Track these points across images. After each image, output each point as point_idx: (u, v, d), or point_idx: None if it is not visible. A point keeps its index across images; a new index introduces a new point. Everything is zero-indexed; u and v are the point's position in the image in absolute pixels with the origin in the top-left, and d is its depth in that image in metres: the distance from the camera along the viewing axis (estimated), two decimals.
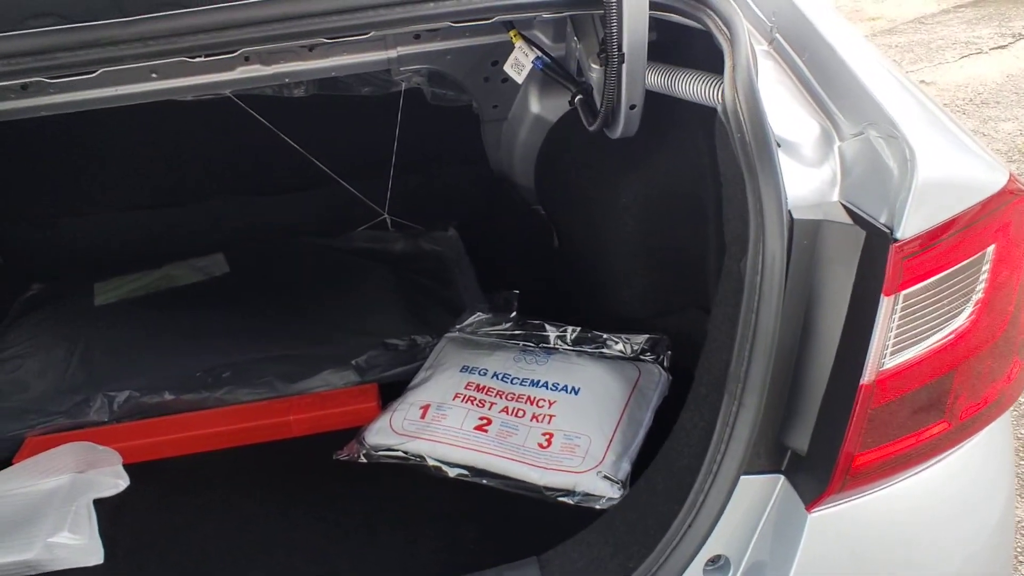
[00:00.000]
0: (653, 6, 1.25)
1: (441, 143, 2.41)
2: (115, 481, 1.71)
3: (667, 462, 1.19)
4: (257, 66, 1.98)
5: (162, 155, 2.34)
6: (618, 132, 1.47)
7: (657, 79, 1.39)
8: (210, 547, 1.56)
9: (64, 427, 1.83)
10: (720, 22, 1.19)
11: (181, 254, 2.41)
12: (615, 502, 1.54)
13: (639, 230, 1.93)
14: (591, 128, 1.51)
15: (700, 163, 1.83)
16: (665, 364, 1.85)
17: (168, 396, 1.87)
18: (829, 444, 1.03)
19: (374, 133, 2.38)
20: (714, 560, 1.13)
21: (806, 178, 1.04)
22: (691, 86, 1.29)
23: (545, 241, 2.40)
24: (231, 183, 2.44)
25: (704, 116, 1.75)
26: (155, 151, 2.34)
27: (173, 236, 2.45)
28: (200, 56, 1.15)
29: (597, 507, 1.55)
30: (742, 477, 1.05)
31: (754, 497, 1.10)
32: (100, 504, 1.65)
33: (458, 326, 2.01)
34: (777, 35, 1.21)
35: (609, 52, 1.30)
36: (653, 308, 2.00)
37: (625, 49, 1.29)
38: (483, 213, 2.55)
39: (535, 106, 2.28)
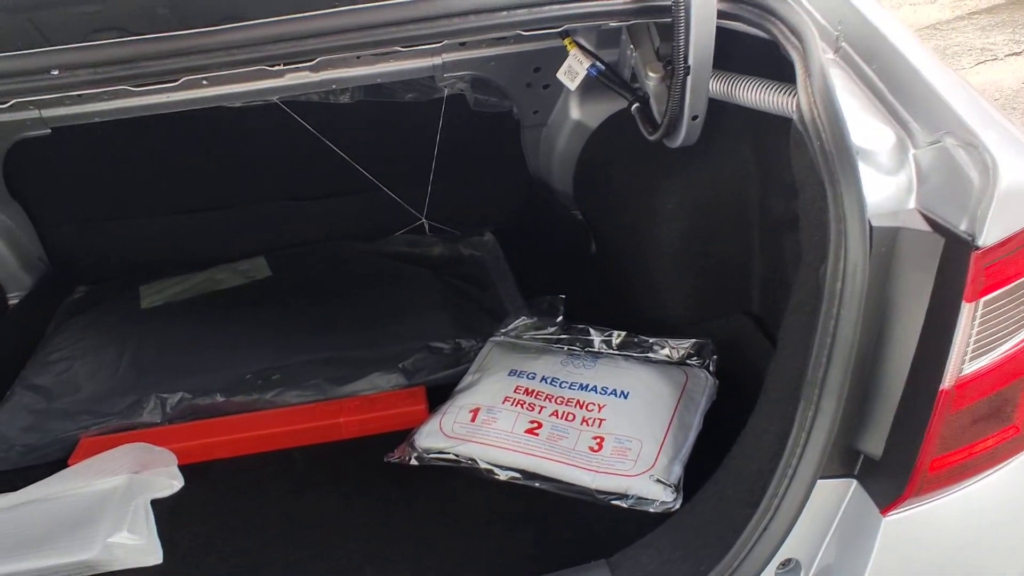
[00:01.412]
0: (719, 15, 1.27)
1: (479, 148, 2.43)
2: (170, 482, 1.72)
3: (736, 467, 1.21)
4: (306, 73, 2.01)
5: (206, 159, 2.37)
6: (678, 142, 1.48)
7: (719, 87, 1.41)
8: (267, 549, 1.57)
9: (117, 428, 1.85)
10: (788, 31, 1.20)
11: (223, 258, 2.43)
12: (669, 505, 1.56)
13: (682, 236, 1.95)
14: (651, 138, 1.53)
15: (745, 170, 1.85)
16: (711, 369, 1.86)
17: (219, 398, 1.88)
18: (906, 448, 1.05)
19: (414, 139, 2.40)
20: (785, 563, 1.14)
21: (882, 186, 1.05)
22: (759, 95, 1.31)
23: (582, 246, 2.42)
24: (273, 187, 2.46)
25: (752, 123, 1.78)
26: (199, 155, 2.36)
27: (215, 240, 2.47)
28: (280, 64, 1.17)
29: (651, 510, 1.56)
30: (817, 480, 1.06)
31: (826, 501, 1.12)
32: (156, 505, 1.66)
33: (503, 330, 2.03)
34: (843, 44, 1.23)
35: (676, 63, 1.32)
36: (695, 313, 2.01)
37: (691, 61, 1.31)
38: (520, 218, 2.57)
39: (575, 112, 2.30)
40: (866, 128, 1.09)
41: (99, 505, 1.64)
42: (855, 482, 1.12)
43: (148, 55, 1.10)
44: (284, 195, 2.48)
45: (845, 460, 1.11)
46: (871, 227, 1.01)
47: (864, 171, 1.04)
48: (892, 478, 1.07)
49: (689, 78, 1.34)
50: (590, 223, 2.40)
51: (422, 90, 2.24)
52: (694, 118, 1.42)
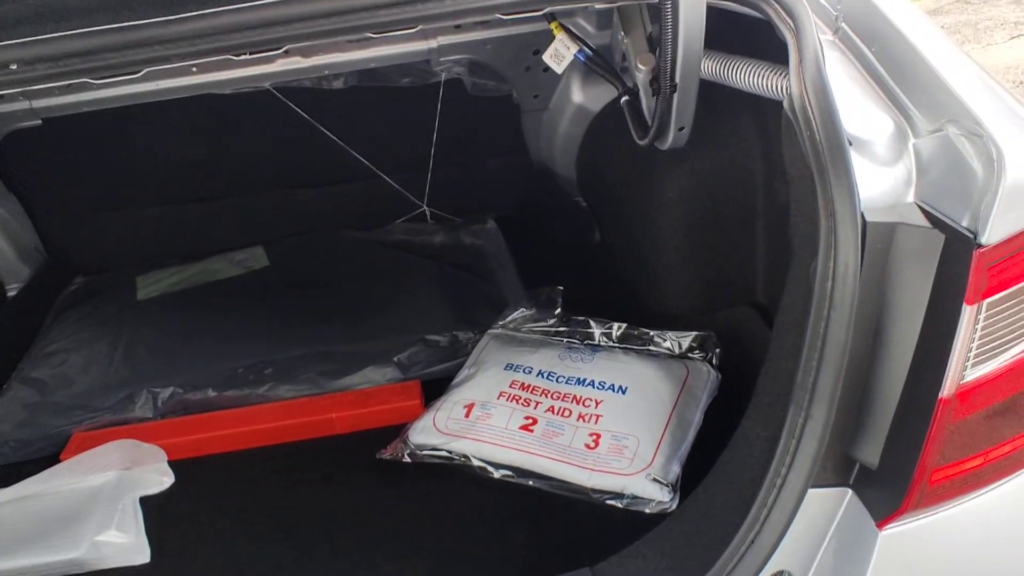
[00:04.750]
0: None
1: (480, 134, 2.37)
2: (160, 478, 1.70)
3: (727, 473, 1.15)
4: (297, 58, 1.97)
5: (201, 148, 2.33)
6: (666, 146, 1.43)
7: (713, 67, 1.33)
8: (255, 548, 1.55)
9: (110, 423, 1.83)
10: (782, 11, 1.13)
11: (220, 247, 2.40)
12: (665, 506, 1.51)
13: (685, 225, 1.88)
14: (642, 143, 1.48)
15: (750, 157, 1.78)
16: (714, 362, 1.80)
17: (211, 393, 1.86)
18: (903, 459, 0.99)
19: (412, 124, 2.34)
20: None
21: (879, 178, 0.98)
22: (752, 77, 1.23)
23: (586, 234, 2.36)
24: (269, 176, 2.42)
25: (756, 108, 1.70)
26: (194, 145, 2.33)
27: (212, 230, 2.44)
28: (245, 54, 1.13)
29: (647, 511, 1.51)
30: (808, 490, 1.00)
31: (820, 511, 1.06)
32: (145, 502, 1.64)
33: (500, 322, 1.98)
34: (843, 24, 1.15)
35: (662, 83, 1.26)
36: (698, 304, 1.95)
37: (678, 79, 1.25)
38: (523, 205, 2.51)
39: (577, 96, 2.24)
40: (862, 115, 1.02)
41: (87, 502, 1.62)
42: (850, 491, 1.06)
43: (108, 47, 1.05)
44: (281, 183, 2.44)
45: (840, 468, 1.05)
46: (865, 222, 0.94)
47: (859, 162, 0.97)
48: (889, 489, 1.01)
49: (676, 95, 1.28)
50: (594, 210, 2.34)
51: (418, 74, 2.18)
52: (680, 129, 1.36)
